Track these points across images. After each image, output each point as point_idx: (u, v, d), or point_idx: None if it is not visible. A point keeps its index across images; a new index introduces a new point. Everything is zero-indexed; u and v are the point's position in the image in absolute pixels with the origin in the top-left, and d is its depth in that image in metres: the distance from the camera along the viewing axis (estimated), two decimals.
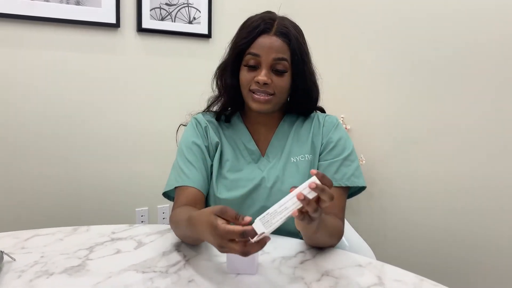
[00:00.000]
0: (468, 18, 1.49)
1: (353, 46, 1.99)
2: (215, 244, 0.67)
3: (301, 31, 0.98)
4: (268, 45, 0.91)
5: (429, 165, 1.65)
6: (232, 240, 0.64)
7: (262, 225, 0.65)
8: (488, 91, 1.45)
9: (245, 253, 0.64)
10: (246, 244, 0.64)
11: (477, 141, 1.49)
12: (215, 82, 1.03)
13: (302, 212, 0.67)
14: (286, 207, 0.66)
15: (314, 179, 0.66)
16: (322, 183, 0.66)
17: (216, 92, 1.04)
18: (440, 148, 1.61)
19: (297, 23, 0.98)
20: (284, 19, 0.96)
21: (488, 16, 1.43)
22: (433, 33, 1.61)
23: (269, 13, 0.97)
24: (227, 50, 1.00)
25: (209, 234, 0.67)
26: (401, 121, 1.76)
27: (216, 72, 1.02)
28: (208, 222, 0.67)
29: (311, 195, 0.66)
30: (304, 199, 0.65)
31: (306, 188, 0.66)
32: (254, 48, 0.92)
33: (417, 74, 1.68)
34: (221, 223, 0.65)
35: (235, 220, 0.66)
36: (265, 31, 0.92)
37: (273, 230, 0.65)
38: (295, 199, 0.66)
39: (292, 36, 0.93)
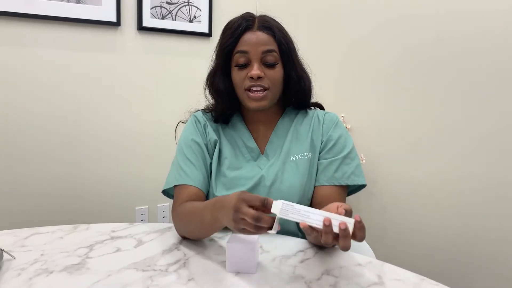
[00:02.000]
0: (470, 19, 1.49)
1: (353, 46, 1.99)
2: (231, 210, 0.69)
3: (281, 24, 0.99)
4: (254, 40, 0.93)
5: (429, 164, 1.65)
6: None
7: (279, 209, 0.66)
8: (489, 92, 1.45)
9: (257, 220, 0.65)
10: (261, 217, 0.65)
11: (478, 142, 1.49)
12: (207, 91, 1.03)
13: (313, 230, 0.65)
14: (308, 216, 0.65)
15: (351, 223, 0.62)
16: (354, 233, 0.63)
17: (211, 101, 1.04)
18: (440, 148, 1.61)
19: (276, 18, 0.99)
20: (263, 15, 0.98)
21: (490, 16, 1.43)
22: (434, 33, 1.61)
23: (247, 12, 0.99)
24: (213, 57, 1.02)
25: (231, 199, 0.69)
26: (402, 120, 1.76)
27: (206, 81, 1.03)
28: (236, 194, 0.70)
29: (336, 229, 0.63)
30: (328, 226, 0.62)
31: (337, 220, 0.63)
32: (241, 46, 0.94)
33: (418, 74, 1.68)
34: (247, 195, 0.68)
35: (263, 206, 0.68)
36: (248, 27, 0.94)
37: (283, 218, 0.66)
38: (320, 218, 0.64)
39: (275, 28, 0.95)
